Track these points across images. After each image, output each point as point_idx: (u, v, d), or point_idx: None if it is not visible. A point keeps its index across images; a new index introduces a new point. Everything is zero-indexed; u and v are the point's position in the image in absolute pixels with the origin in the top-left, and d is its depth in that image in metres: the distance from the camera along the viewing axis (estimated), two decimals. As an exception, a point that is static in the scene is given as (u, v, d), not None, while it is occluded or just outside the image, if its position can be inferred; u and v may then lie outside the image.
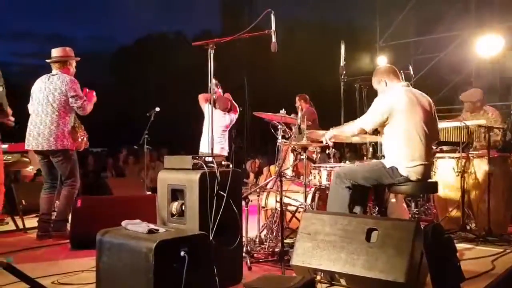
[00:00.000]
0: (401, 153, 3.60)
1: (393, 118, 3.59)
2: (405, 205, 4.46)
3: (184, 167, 3.09)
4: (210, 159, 3.11)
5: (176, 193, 3.10)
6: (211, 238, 2.90)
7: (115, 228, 2.92)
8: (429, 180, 3.71)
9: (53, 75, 4.72)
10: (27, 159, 5.25)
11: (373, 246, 2.93)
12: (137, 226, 2.86)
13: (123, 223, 2.96)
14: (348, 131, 3.84)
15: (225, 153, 6.05)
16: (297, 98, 7.84)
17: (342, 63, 4.88)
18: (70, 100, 4.61)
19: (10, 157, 5.04)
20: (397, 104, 3.60)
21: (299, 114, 4.25)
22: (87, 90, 4.86)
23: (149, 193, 7.78)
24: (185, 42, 25.35)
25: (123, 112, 22.20)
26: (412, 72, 5.48)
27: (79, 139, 4.89)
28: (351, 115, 4.73)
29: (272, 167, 10.33)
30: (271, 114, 4.08)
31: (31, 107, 4.73)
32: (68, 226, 4.58)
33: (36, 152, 4.68)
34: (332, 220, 3.16)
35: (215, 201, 2.98)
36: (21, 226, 5.12)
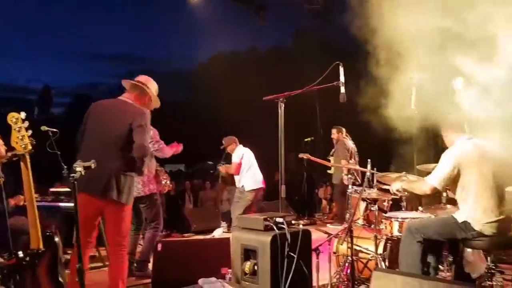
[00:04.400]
0: (472, 208, 3.53)
1: (462, 173, 3.53)
2: (482, 254, 4.30)
3: (256, 228, 3.25)
4: (280, 220, 3.24)
5: (249, 253, 3.26)
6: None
7: (192, 286, 3.14)
8: (506, 235, 3.58)
9: None
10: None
11: (444, 311, 2.90)
12: (212, 286, 3.06)
13: (200, 281, 3.18)
14: (418, 189, 3.80)
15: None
16: (334, 130, 8.00)
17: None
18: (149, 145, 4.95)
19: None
20: (465, 157, 3.54)
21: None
22: (177, 143, 5.25)
23: (224, 223, 8.13)
24: (258, 57, 25.96)
25: (200, 127, 22.87)
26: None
27: (162, 182, 5.26)
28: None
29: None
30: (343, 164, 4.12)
31: None
32: (150, 267, 4.90)
33: None
34: (403, 281, 3.15)
35: (286, 262, 3.11)
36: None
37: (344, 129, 8.14)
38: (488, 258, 4.10)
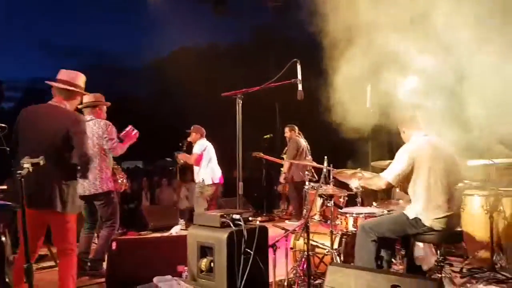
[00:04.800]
0: (423, 204, 3.64)
1: (415, 169, 3.64)
2: (432, 247, 4.46)
3: (213, 225, 3.23)
4: (237, 216, 3.23)
5: (205, 250, 3.24)
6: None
7: (148, 285, 3.09)
8: (455, 230, 3.72)
9: (87, 121, 4.71)
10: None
11: (396, 303, 2.97)
12: (167, 284, 3.02)
13: (155, 279, 3.13)
14: (374, 185, 3.89)
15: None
16: (287, 129, 8.19)
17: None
18: (103, 142, 4.77)
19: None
20: (419, 154, 3.65)
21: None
22: (132, 129, 4.95)
23: (182, 220, 8.04)
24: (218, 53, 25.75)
25: (159, 123, 22.47)
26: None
27: (119, 181, 5.13)
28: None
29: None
30: (298, 161, 4.16)
31: None
32: (104, 265, 4.78)
33: (81, 197, 4.85)
34: (357, 275, 3.22)
35: (242, 258, 3.11)
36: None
37: (296, 128, 8.36)
38: (438, 252, 4.26)
